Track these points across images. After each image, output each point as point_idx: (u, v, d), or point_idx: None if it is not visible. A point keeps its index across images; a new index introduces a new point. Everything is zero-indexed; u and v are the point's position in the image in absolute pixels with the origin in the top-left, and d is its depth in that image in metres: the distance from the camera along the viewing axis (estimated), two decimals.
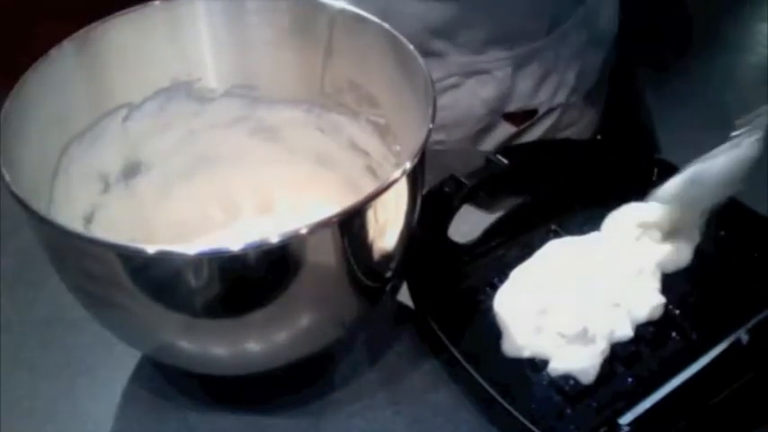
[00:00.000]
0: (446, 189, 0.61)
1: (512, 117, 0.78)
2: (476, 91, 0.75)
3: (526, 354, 0.53)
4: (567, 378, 0.52)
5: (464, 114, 0.77)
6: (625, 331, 0.53)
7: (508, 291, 0.56)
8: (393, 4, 0.70)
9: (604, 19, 0.80)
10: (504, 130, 0.79)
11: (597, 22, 0.79)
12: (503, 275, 0.57)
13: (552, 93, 0.78)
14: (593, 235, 0.60)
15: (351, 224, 0.44)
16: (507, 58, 0.74)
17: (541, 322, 0.53)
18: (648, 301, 0.55)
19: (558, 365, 0.52)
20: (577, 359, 0.52)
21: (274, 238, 0.41)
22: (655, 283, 0.56)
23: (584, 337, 0.52)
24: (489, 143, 0.79)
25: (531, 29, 0.74)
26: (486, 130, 0.78)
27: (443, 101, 0.75)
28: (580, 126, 0.83)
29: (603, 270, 0.56)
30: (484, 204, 0.63)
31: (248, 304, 0.44)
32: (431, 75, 0.49)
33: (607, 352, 0.52)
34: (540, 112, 0.78)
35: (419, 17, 0.71)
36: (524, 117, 0.79)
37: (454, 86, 0.75)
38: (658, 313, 0.55)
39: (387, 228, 0.47)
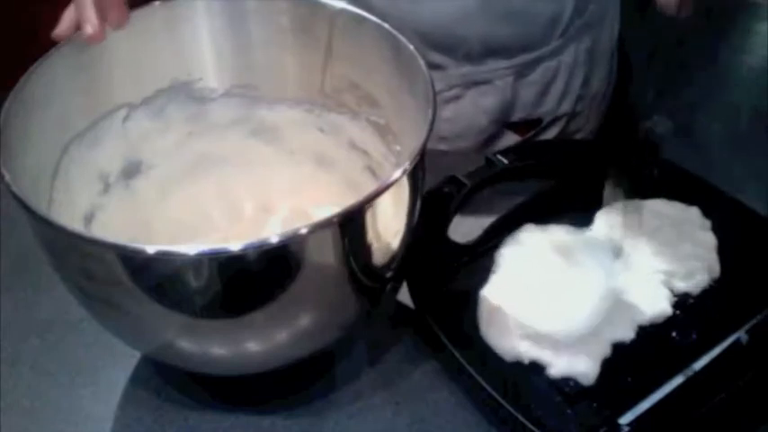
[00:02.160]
0: (446, 189, 0.61)
1: (517, 127, 0.78)
2: (477, 102, 0.75)
3: (526, 354, 0.53)
4: (567, 378, 0.51)
5: (467, 126, 0.76)
6: (625, 331, 0.53)
7: (500, 283, 0.55)
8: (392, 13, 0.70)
9: (607, 26, 0.79)
10: (509, 141, 0.78)
11: (600, 29, 0.78)
12: None
13: (557, 101, 0.77)
14: (590, 234, 0.59)
15: (351, 224, 0.44)
16: (507, 68, 0.74)
17: (541, 323, 0.53)
18: (649, 302, 0.55)
19: (558, 366, 0.52)
20: (577, 360, 0.52)
21: (274, 238, 0.41)
22: (656, 284, 0.56)
23: (583, 337, 0.52)
24: None
25: (530, 38, 0.74)
26: (490, 140, 0.78)
27: (445, 113, 0.75)
28: (586, 132, 0.82)
29: (603, 270, 0.56)
30: (484, 204, 0.63)
31: (248, 304, 0.44)
32: (431, 75, 0.49)
33: (607, 352, 0.52)
34: (545, 121, 0.78)
35: (415, 27, 0.71)
36: (529, 127, 0.78)
37: (456, 98, 0.75)
38: (659, 314, 0.55)
39: (387, 228, 0.47)
